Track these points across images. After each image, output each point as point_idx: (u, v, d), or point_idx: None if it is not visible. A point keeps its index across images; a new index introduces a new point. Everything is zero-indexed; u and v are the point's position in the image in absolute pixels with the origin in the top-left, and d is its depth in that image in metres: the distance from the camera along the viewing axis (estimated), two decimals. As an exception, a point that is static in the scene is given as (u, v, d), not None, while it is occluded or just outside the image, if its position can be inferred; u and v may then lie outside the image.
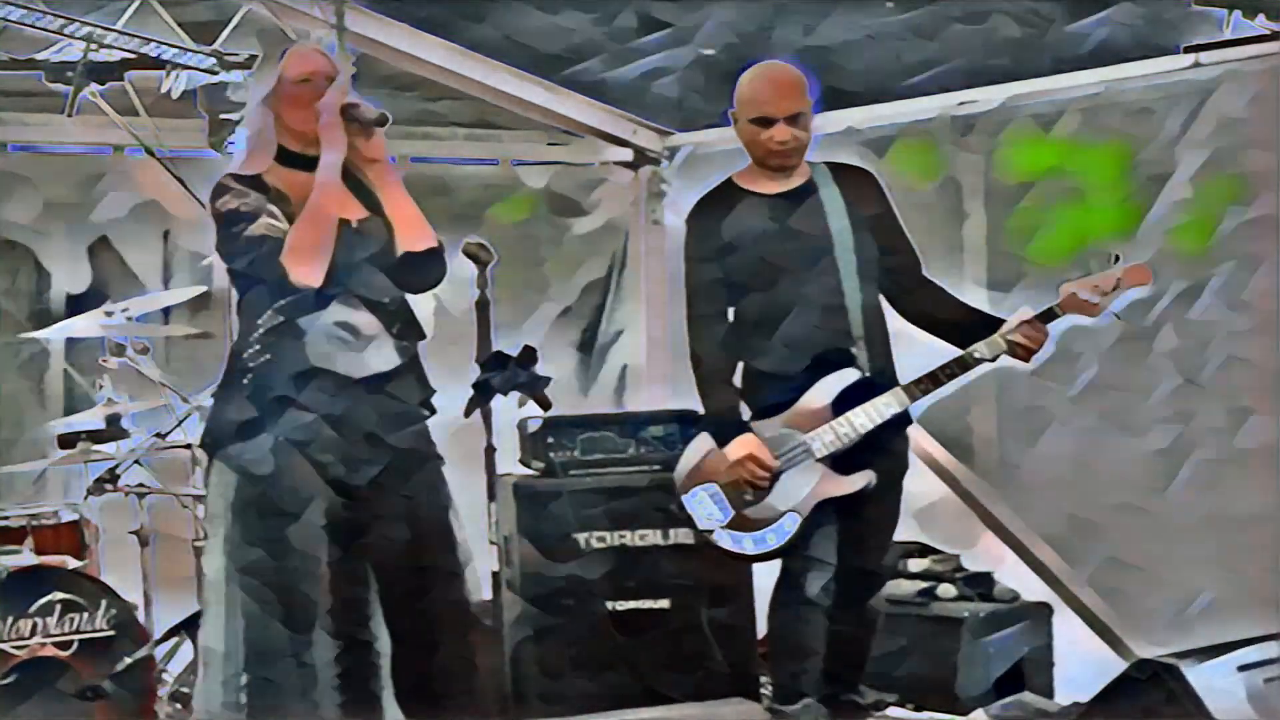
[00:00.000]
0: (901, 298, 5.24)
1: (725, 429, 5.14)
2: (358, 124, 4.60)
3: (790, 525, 5.11)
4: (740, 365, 5.22)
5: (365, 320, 4.57)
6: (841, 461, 5.11)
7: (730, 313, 5.21)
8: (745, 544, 5.17)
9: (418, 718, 4.59)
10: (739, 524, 5.15)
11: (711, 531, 5.18)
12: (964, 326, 5.18)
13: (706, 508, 5.17)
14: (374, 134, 4.61)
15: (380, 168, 4.65)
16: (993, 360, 5.12)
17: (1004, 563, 6.88)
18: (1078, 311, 5.13)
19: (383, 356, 4.58)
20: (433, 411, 4.72)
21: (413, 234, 4.63)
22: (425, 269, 4.67)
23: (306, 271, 4.48)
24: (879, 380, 5.15)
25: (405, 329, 4.65)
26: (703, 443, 5.20)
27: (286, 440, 4.48)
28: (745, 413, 5.18)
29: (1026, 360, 5.15)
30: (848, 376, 5.12)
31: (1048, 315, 5.12)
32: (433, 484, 4.67)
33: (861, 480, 5.12)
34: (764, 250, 5.14)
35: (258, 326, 4.54)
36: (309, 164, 4.58)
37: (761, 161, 5.20)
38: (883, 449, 5.17)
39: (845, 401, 5.11)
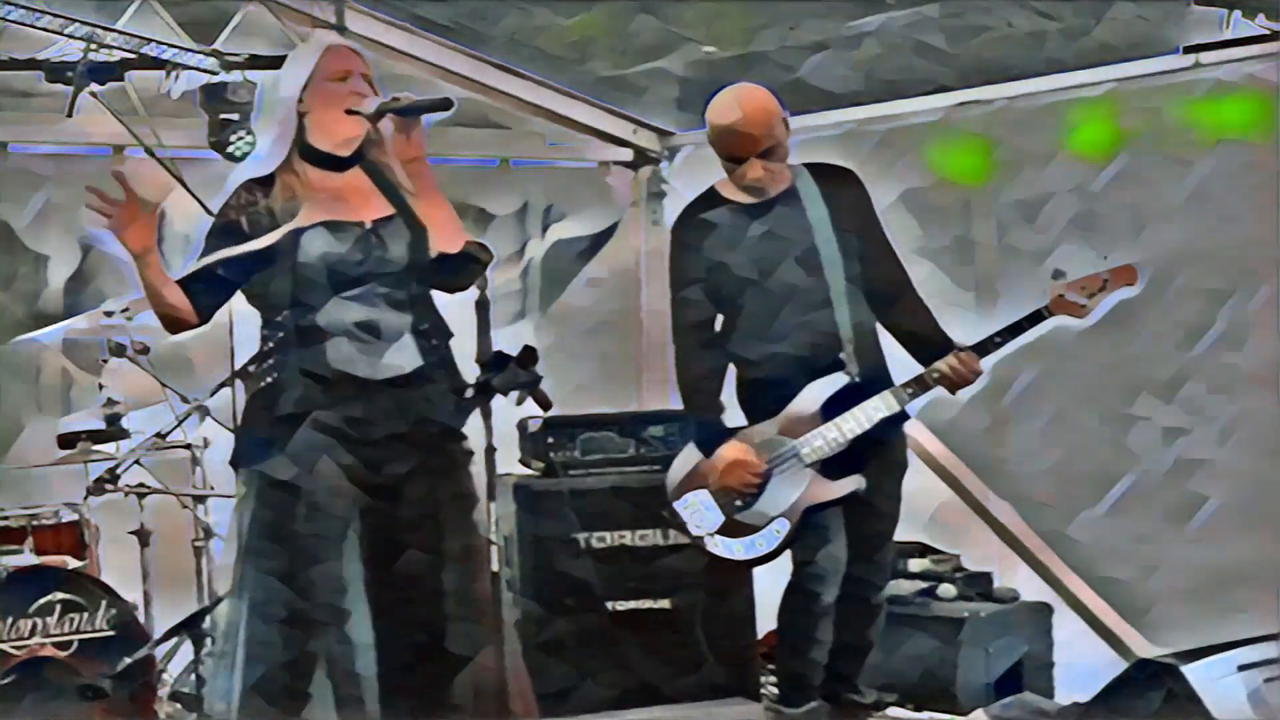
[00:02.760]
0: (881, 304, 5.19)
1: (710, 437, 5.15)
2: (398, 120, 4.50)
3: (780, 530, 5.12)
4: (734, 372, 5.22)
5: (388, 320, 4.50)
6: (833, 465, 5.10)
7: (719, 321, 5.20)
8: (736, 549, 5.18)
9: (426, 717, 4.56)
10: (729, 530, 5.16)
11: (702, 538, 5.19)
12: (928, 346, 5.12)
13: (697, 514, 5.18)
14: (414, 131, 4.51)
15: (416, 166, 4.55)
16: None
17: (1004, 563, 6.88)
18: (1066, 313, 5.06)
19: (405, 356, 4.51)
20: (467, 411, 4.62)
21: (446, 236, 4.56)
22: (460, 271, 4.60)
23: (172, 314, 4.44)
24: (869, 384, 5.13)
25: (430, 328, 4.56)
26: (691, 452, 5.22)
27: (310, 445, 4.41)
28: (741, 420, 5.18)
29: (952, 392, 5.08)
30: (836, 381, 5.11)
31: (1036, 317, 5.07)
32: (460, 486, 4.59)
33: (850, 485, 5.11)
34: (748, 259, 5.13)
35: (274, 331, 4.49)
36: (337, 164, 4.54)
37: (742, 189, 5.18)
38: (881, 449, 5.17)
39: (834, 406, 5.11)
